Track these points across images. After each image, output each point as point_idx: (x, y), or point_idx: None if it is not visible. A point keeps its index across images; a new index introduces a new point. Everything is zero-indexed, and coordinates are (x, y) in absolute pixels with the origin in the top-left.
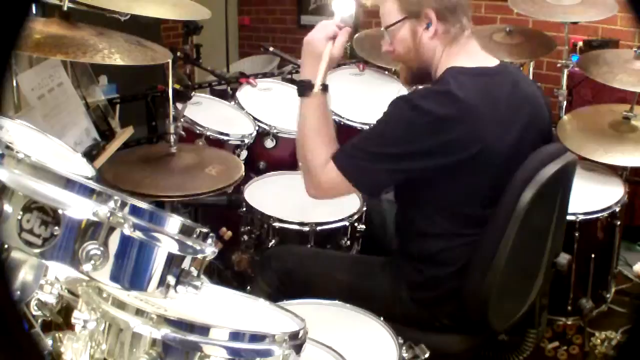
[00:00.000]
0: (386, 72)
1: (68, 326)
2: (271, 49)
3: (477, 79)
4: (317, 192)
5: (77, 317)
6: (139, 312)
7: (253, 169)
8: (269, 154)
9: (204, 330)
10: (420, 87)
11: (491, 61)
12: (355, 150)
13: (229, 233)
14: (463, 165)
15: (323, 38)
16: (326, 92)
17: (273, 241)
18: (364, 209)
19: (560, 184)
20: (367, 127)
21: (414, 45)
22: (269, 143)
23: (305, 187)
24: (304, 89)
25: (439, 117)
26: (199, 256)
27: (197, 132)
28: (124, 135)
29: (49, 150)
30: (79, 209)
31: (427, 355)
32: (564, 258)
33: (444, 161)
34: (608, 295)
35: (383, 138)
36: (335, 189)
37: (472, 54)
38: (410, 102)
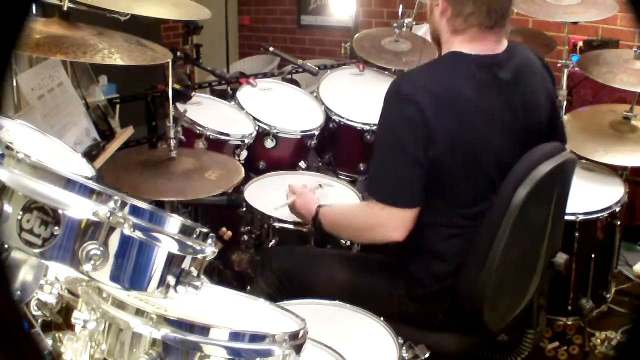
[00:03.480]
0: (386, 72)
1: (68, 326)
2: (271, 49)
3: (472, 67)
4: (396, 236)
5: (77, 317)
6: (139, 312)
7: (253, 169)
8: (269, 154)
9: (204, 330)
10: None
11: (500, 47)
12: (376, 173)
13: (229, 233)
14: (453, 157)
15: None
16: (321, 208)
17: (273, 241)
18: None
19: (557, 182)
20: (367, 126)
21: (430, 14)
22: (269, 143)
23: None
24: (315, 225)
25: (422, 102)
26: (199, 256)
27: (197, 132)
28: (124, 135)
29: (49, 150)
30: (79, 209)
31: (427, 355)
32: (561, 257)
33: (439, 150)
34: (608, 295)
35: (388, 139)
36: (399, 220)
37: (481, 44)
38: (396, 89)
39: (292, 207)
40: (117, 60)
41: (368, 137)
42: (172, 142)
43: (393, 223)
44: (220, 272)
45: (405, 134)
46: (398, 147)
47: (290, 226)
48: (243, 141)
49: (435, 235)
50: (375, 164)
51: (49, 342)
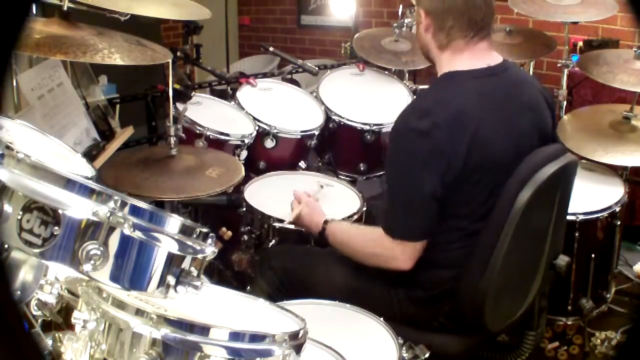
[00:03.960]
0: (386, 72)
1: (68, 326)
2: (271, 49)
3: (470, 83)
4: (406, 267)
5: (77, 317)
6: (139, 312)
7: (253, 169)
8: (269, 154)
9: (204, 330)
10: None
11: (493, 60)
12: (391, 209)
13: (229, 233)
14: (463, 169)
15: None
16: (329, 224)
17: (273, 241)
18: (364, 209)
19: (559, 185)
20: (367, 126)
21: (417, 30)
22: (269, 143)
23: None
24: (321, 238)
25: (436, 135)
26: (199, 256)
27: (197, 132)
28: (124, 135)
29: (49, 150)
30: (79, 209)
31: (427, 356)
32: (562, 260)
33: (455, 171)
34: (608, 295)
35: (402, 177)
36: (410, 252)
37: (472, 56)
38: (405, 127)
39: (298, 217)
40: (117, 60)
41: (368, 137)
42: (172, 140)
43: (405, 256)
44: (220, 272)
45: (420, 170)
46: (413, 184)
47: (291, 226)
48: (243, 141)
49: (439, 247)
50: (389, 199)
51: (49, 342)
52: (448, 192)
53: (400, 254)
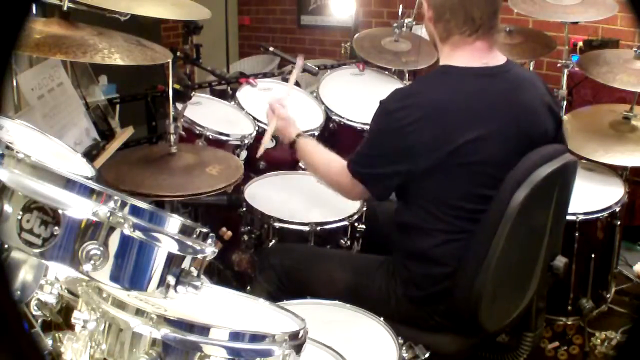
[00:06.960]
0: (386, 72)
1: (68, 326)
2: (271, 49)
3: (462, 80)
4: (355, 200)
5: (77, 317)
6: (139, 312)
7: (253, 169)
8: (269, 154)
9: (204, 330)
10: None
11: (493, 61)
12: (359, 156)
13: (229, 233)
14: (445, 164)
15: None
16: (300, 138)
17: (273, 241)
18: (364, 209)
19: (557, 186)
20: (367, 126)
21: (424, 19)
22: (269, 143)
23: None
24: (290, 149)
25: (406, 119)
26: (199, 256)
27: (197, 132)
28: (124, 135)
29: (49, 150)
30: (79, 209)
31: (427, 355)
32: (560, 261)
33: (427, 161)
34: (608, 295)
35: (374, 144)
36: (362, 196)
37: (469, 54)
38: (383, 105)
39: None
40: (117, 60)
41: None
42: (172, 138)
43: (359, 196)
44: (220, 272)
45: (390, 148)
46: (382, 154)
47: (291, 226)
48: (243, 141)
49: (433, 240)
50: (364, 147)
51: (49, 342)
52: (427, 182)
53: (356, 192)
